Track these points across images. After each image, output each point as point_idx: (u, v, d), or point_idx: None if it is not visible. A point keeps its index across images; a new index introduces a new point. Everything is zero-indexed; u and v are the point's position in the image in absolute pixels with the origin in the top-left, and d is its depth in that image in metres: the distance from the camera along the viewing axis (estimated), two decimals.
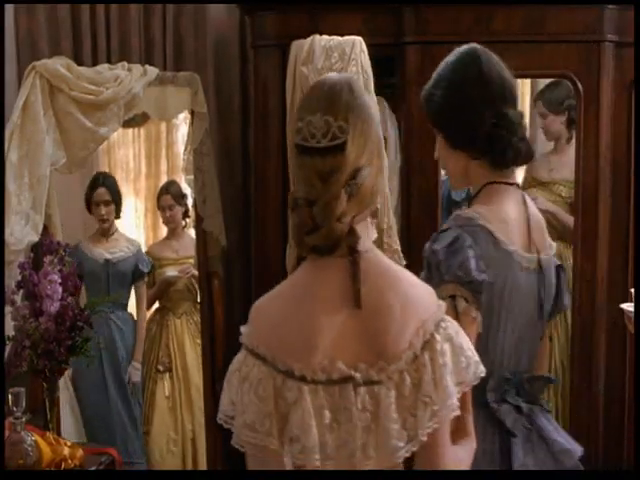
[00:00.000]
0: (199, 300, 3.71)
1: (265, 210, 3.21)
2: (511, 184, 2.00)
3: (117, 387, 3.70)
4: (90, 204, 3.75)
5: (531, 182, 3.81)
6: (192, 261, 3.82)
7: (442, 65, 2.04)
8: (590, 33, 3.06)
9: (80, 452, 2.65)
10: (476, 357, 1.53)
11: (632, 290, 2.55)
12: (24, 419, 2.46)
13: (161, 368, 3.83)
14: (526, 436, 1.96)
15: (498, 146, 1.95)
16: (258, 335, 1.54)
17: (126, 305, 3.83)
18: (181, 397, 3.81)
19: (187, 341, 3.83)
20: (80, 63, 3.22)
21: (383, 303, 1.50)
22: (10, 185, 2.80)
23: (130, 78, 3.08)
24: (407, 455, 1.50)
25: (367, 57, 2.93)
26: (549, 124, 3.69)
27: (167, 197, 3.84)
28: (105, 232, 3.80)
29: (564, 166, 3.61)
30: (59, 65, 2.94)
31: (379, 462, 1.51)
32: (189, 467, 3.76)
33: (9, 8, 3.33)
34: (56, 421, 2.81)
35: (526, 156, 2.02)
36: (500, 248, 1.89)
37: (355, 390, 1.49)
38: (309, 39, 2.96)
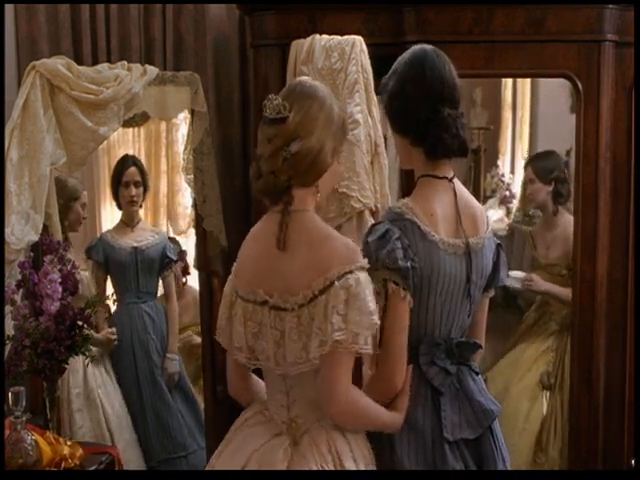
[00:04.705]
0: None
1: (265, 210, 3.19)
2: (442, 178, 2.25)
3: (151, 380, 3.62)
4: (118, 185, 3.63)
5: (533, 264, 3.86)
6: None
7: (398, 59, 2.33)
8: (590, 33, 3.06)
9: (80, 452, 2.65)
10: (371, 308, 1.93)
11: None
12: (24, 418, 2.46)
13: None
14: (454, 395, 2.23)
15: (429, 139, 2.22)
16: (236, 265, 2.14)
17: (156, 294, 3.75)
18: None
19: None
20: (80, 63, 3.21)
21: (294, 251, 1.97)
22: (10, 185, 2.80)
23: (130, 78, 3.07)
24: (305, 370, 1.95)
25: (367, 57, 2.92)
26: (536, 191, 3.79)
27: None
28: (131, 220, 3.69)
29: (558, 243, 3.70)
30: (59, 64, 2.94)
31: (285, 370, 2.00)
32: None
33: (9, 8, 3.33)
34: (56, 421, 2.80)
35: (459, 151, 2.26)
36: (425, 238, 2.16)
37: (269, 312, 1.99)
38: (309, 39, 2.96)
